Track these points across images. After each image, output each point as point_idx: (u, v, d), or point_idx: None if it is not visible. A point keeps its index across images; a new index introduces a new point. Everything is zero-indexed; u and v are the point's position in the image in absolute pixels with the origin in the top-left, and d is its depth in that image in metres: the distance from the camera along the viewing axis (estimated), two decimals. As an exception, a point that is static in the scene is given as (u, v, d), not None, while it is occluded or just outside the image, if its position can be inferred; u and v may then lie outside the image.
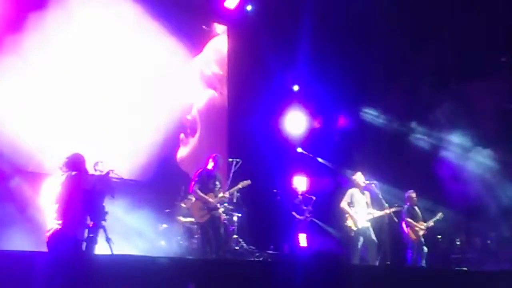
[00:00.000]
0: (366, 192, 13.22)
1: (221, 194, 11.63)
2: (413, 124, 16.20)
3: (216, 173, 11.83)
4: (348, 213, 12.92)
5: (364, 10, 15.62)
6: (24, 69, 12.64)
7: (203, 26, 16.30)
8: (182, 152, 15.44)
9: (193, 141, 15.65)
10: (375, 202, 13.12)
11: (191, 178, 11.87)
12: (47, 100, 12.87)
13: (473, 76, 16.04)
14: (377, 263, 12.56)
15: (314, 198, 15.09)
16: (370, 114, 16.79)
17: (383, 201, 12.99)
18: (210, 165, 11.76)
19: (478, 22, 15.37)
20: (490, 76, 15.88)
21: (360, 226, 12.79)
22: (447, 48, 16.09)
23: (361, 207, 12.97)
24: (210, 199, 11.48)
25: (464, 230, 15.11)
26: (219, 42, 16.73)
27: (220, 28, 16.75)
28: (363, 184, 13.15)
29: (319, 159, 16.80)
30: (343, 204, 13.02)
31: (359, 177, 13.21)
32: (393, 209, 13.05)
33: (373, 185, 13.18)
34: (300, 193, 15.25)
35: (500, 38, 15.32)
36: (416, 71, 16.13)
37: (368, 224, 12.84)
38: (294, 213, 14.88)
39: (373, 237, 12.76)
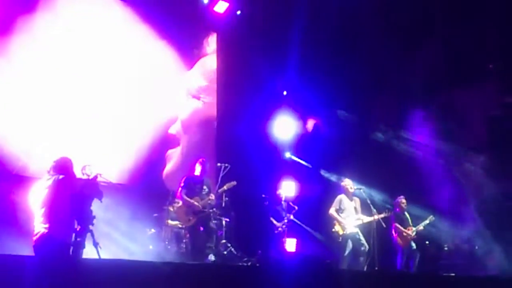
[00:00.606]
0: (356, 198, 13.24)
1: (207, 197, 11.64)
2: (401, 131, 16.23)
3: (204, 178, 11.85)
4: (336, 219, 12.95)
5: (354, 15, 15.65)
6: (10, 71, 12.59)
7: (194, 49, 16.26)
8: (167, 168, 15.36)
9: (176, 154, 15.54)
10: (364, 208, 13.13)
11: (178, 184, 11.89)
12: (34, 103, 12.81)
13: (461, 82, 16.10)
14: (365, 269, 12.56)
15: (296, 208, 15.05)
16: (356, 120, 16.85)
17: (372, 207, 13.01)
18: (197, 170, 11.81)
19: (466, 28, 15.44)
20: (478, 83, 15.93)
21: (348, 232, 12.80)
22: (435, 54, 16.13)
23: (350, 213, 12.99)
24: (196, 202, 11.50)
25: (452, 235, 15.12)
26: (208, 58, 16.68)
27: (210, 48, 16.66)
28: (351, 190, 13.17)
29: (308, 164, 16.79)
30: (332, 211, 13.05)
31: (347, 183, 13.22)
32: (382, 215, 13.07)
33: (361, 190, 13.20)
34: (283, 199, 15.18)
35: (488, 44, 15.37)
36: (405, 77, 16.16)
37: (357, 230, 12.86)
38: (272, 218, 14.86)
39: (363, 242, 12.77)
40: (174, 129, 15.65)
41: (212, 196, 11.75)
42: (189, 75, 16.22)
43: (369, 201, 13.01)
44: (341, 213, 12.99)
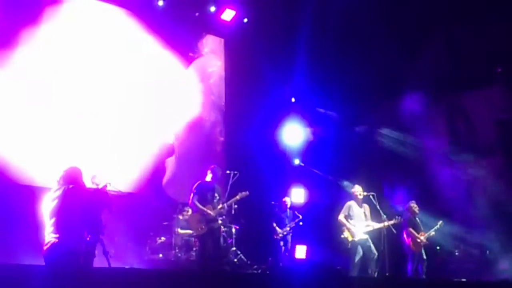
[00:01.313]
0: (365, 205, 13.19)
1: (220, 206, 11.61)
2: (409, 136, 16.22)
3: (215, 185, 11.84)
4: (345, 225, 12.92)
5: (360, 22, 15.66)
6: (17, 82, 12.64)
7: (190, 53, 16.24)
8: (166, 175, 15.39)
9: (171, 162, 15.54)
10: (373, 214, 13.10)
11: (190, 190, 11.86)
12: (41, 113, 12.87)
13: (469, 86, 16.08)
14: (375, 275, 12.52)
15: (300, 216, 15.05)
16: (367, 128, 16.86)
17: (381, 213, 12.97)
18: (208, 177, 11.78)
19: (474, 32, 15.43)
20: (485, 87, 15.91)
21: (357, 238, 12.78)
22: (442, 58, 16.12)
23: (359, 220, 12.95)
24: (209, 211, 11.46)
25: (463, 240, 15.07)
26: (204, 61, 16.66)
27: (205, 49, 16.64)
28: (361, 197, 13.14)
29: (317, 171, 16.78)
30: (341, 217, 13.02)
31: (357, 190, 13.19)
32: (392, 222, 13.00)
33: (371, 196, 13.15)
34: (288, 206, 15.18)
35: (496, 48, 15.34)
36: (412, 82, 16.14)
37: (366, 236, 12.81)
38: (275, 224, 14.87)
39: (373, 248, 12.73)
40: (175, 138, 15.67)
41: (225, 206, 11.74)
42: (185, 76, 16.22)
43: (378, 207, 12.96)
44: (351, 219, 12.95)
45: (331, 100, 16.47)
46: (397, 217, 13.26)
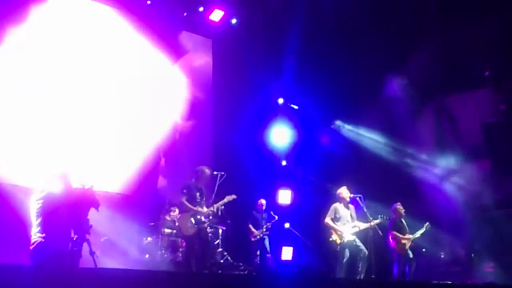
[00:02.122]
0: (351, 206, 13.23)
1: (206, 209, 11.70)
2: (397, 141, 16.29)
3: (202, 186, 11.91)
4: (332, 228, 12.94)
5: (350, 23, 15.69)
6: (3, 82, 12.55)
7: (177, 53, 16.14)
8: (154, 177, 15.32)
9: (159, 163, 15.49)
10: (360, 216, 13.13)
11: (178, 191, 11.91)
12: (30, 113, 12.76)
13: (457, 89, 16.16)
14: (363, 274, 12.56)
15: (276, 217, 15.14)
16: (353, 130, 16.92)
17: (368, 214, 13.00)
18: (197, 178, 11.87)
19: (463, 35, 15.50)
20: (473, 90, 16.00)
21: (345, 240, 12.81)
22: (431, 61, 16.17)
23: (346, 221, 12.98)
24: (200, 209, 11.56)
25: (448, 243, 15.13)
26: (192, 61, 16.60)
27: (195, 47, 16.57)
28: (347, 198, 13.18)
29: (304, 173, 16.80)
30: (327, 220, 13.04)
31: (343, 191, 13.21)
32: (377, 221, 13.05)
33: (358, 198, 13.18)
34: (264, 208, 15.24)
35: (484, 51, 15.42)
36: (401, 84, 16.21)
37: (354, 237, 12.84)
38: (251, 226, 14.94)
39: (362, 247, 12.76)
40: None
41: (213, 208, 11.87)
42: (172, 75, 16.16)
43: (365, 209, 12.99)
44: (337, 221, 12.97)
45: (318, 101, 16.46)
46: (382, 216, 13.29)
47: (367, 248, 12.75)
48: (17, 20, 12.92)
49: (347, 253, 12.78)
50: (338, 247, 12.84)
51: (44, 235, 7.97)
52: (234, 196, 12.31)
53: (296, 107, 17.15)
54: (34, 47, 13.14)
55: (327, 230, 13.09)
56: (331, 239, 12.95)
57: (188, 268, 11.49)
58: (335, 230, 12.89)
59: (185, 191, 11.64)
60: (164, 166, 15.28)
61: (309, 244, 15.62)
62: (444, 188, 15.64)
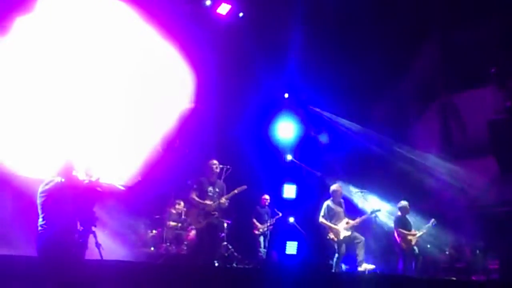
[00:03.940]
0: (342, 201, 13.48)
1: (213, 203, 11.75)
2: (400, 143, 16.30)
3: (217, 179, 12.06)
4: (327, 225, 13.13)
5: (355, 20, 15.67)
6: (11, 72, 12.54)
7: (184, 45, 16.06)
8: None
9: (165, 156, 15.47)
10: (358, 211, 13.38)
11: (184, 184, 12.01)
12: (36, 105, 12.73)
13: (462, 87, 16.12)
14: (362, 256, 12.77)
15: (280, 214, 15.32)
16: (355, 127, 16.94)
17: (368, 210, 13.21)
18: (207, 172, 12.01)
19: (468, 33, 15.47)
20: (479, 87, 15.96)
21: (341, 237, 12.98)
22: (436, 60, 16.15)
23: (339, 218, 13.17)
24: (207, 202, 11.66)
25: (454, 239, 15.13)
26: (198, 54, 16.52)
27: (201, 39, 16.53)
28: (340, 194, 13.41)
29: (309, 168, 16.80)
30: (321, 219, 13.23)
31: (336, 187, 13.33)
32: (365, 216, 13.31)
33: (362, 193, 13.33)
34: (267, 203, 15.33)
35: (489, 49, 15.39)
36: (405, 82, 16.17)
37: (349, 233, 12.99)
38: (255, 220, 15.03)
39: (358, 236, 12.97)
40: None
41: (223, 199, 11.89)
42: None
43: (360, 205, 13.27)
44: (331, 219, 13.15)
45: (324, 96, 16.46)
46: (371, 211, 13.48)
47: (372, 244, 12.96)
48: (24, 9, 12.93)
49: (343, 249, 12.98)
50: (336, 244, 13.02)
51: (50, 226, 7.99)
52: (244, 187, 12.34)
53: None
54: (42, 38, 13.13)
55: (324, 228, 13.26)
56: (328, 237, 13.14)
57: (193, 261, 11.55)
58: (331, 228, 13.02)
59: (195, 186, 11.74)
60: (169, 159, 15.27)
61: (311, 239, 15.66)
62: (450, 184, 15.63)
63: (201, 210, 11.64)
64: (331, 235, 13.02)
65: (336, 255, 12.95)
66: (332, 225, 13.02)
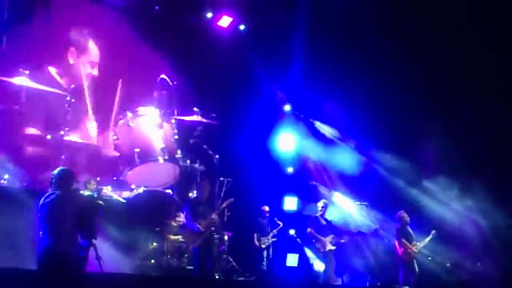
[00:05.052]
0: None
1: (204, 222, 12.02)
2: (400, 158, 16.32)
3: (204, 198, 12.42)
4: (315, 238, 13.85)
5: (355, 30, 15.72)
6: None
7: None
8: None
9: None
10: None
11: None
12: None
13: (463, 98, 16.10)
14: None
15: (281, 224, 15.34)
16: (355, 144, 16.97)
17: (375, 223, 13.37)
18: (199, 191, 12.47)
19: (469, 43, 15.50)
20: (480, 99, 15.93)
21: (326, 249, 13.68)
22: (436, 71, 16.15)
23: (326, 232, 13.84)
24: (199, 225, 11.96)
25: (454, 251, 15.11)
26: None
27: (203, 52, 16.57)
28: (321, 210, 14.13)
29: (310, 181, 16.78)
30: (309, 231, 13.97)
31: (322, 204, 14.08)
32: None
33: (364, 206, 13.47)
34: (267, 215, 15.38)
35: (490, 59, 15.42)
36: (406, 95, 16.15)
37: (333, 247, 13.70)
38: (256, 235, 15.15)
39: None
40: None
41: (214, 216, 12.01)
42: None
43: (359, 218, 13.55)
44: (320, 232, 13.82)
45: (326, 109, 16.49)
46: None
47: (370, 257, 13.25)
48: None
49: (332, 260, 13.67)
50: (321, 255, 13.73)
51: (51, 239, 8.03)
52: (231, 199, 12.63)
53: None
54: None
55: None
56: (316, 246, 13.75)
57: (194, 274, 11.59)
58: (318, 241, 13.71)
59: (186, 207, 12.33)
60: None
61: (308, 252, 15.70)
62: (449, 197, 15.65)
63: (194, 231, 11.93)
64: (318, 245, 13.77)
65: (328, 265, 13.62)
66: (320, 237, 13.75)
